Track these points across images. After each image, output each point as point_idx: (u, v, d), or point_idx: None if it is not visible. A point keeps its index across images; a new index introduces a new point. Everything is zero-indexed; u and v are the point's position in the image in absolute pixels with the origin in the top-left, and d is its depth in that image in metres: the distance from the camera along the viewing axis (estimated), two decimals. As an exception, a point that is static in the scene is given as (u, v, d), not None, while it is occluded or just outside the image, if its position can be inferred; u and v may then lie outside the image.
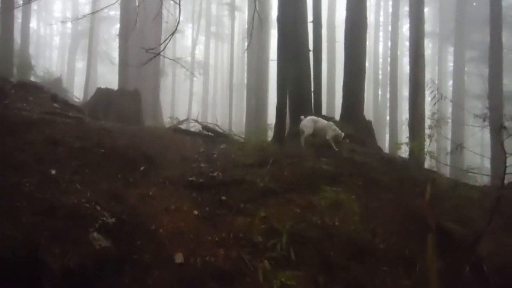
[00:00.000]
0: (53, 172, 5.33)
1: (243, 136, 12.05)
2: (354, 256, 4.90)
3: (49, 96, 9.89)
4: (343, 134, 7.69)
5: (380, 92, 31.15)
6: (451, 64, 29.87)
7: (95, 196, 4.92)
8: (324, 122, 8.03)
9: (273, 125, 9.37)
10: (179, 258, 4.44)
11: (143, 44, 9.29)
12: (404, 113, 23.95)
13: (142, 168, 6.34)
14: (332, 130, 7.72)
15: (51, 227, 4.11)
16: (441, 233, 5.09)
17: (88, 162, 5.92)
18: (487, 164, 15.39)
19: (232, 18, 29.52)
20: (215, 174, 6.28)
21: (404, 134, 17.68)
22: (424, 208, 5.40)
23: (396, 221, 5.59)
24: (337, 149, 7.63)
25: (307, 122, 7.97)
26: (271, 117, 11.03)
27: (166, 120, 16.27)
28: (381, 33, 34.99)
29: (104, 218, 4.51)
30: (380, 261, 4.92)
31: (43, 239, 3.93)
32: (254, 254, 4.65)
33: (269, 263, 4.55)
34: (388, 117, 25.15)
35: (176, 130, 10.31)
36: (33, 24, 32.80)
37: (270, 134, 9.89)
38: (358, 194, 6.01)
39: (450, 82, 28.90)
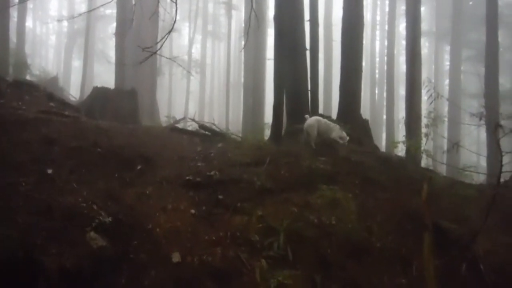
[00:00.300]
0: (50, 171, 5.31)
1: (240, 135, 12.03)
2: (351, 255, 4.92)
3: (45, 95, 9.82)
4: (347, 138, 7.54)
5: (377, 91, 31.19)
6: (447, 63, 29.95)
7: (91, 196, 4.92)
8: (329, 122, 7.88)
9: (270, 124, 9.36)
10: (176, 257, 4.44)
11: (140, 43, 9.23)
12: (400, 112, 23.91)
13: (139, 167, 6.33)
14: (334, 131, 7.58)
15: (47, 227, 4.10)
16: (437, 232, 5.10)
17: (85, 161, 5.91)
18: (483, 162, 15.46)
19: (229, 17, 29.45)
20: (212, 173, 6.27)
21: (400, 133, 17.68)
22: (420, 207, 5.41)
23: (393, 220, 5.60)
24: (342, 142, 7.45)
25: (312, 122, 7.80)
26: (268, 116, 11.02)
27: (163, 119, 16.25)
28: (377, 32, 35.06)
29: (100, 218, 4.50)
30: (377, 260, 4.94)
31: (39, 239, 3.92)
32: (251, 253, 4.66)
33: (266, 262, 4.56)
34: (384, 116, 25.19)
35: (173, 129, 10.28)
36: (29, 23, 32.66)
37: (267, 133, 9.88)
38: (355, 193, 6.02)
39: (447, 81, 29.04)
